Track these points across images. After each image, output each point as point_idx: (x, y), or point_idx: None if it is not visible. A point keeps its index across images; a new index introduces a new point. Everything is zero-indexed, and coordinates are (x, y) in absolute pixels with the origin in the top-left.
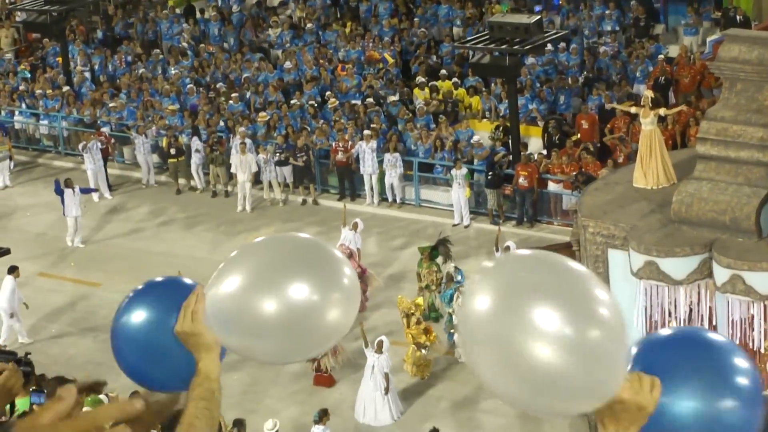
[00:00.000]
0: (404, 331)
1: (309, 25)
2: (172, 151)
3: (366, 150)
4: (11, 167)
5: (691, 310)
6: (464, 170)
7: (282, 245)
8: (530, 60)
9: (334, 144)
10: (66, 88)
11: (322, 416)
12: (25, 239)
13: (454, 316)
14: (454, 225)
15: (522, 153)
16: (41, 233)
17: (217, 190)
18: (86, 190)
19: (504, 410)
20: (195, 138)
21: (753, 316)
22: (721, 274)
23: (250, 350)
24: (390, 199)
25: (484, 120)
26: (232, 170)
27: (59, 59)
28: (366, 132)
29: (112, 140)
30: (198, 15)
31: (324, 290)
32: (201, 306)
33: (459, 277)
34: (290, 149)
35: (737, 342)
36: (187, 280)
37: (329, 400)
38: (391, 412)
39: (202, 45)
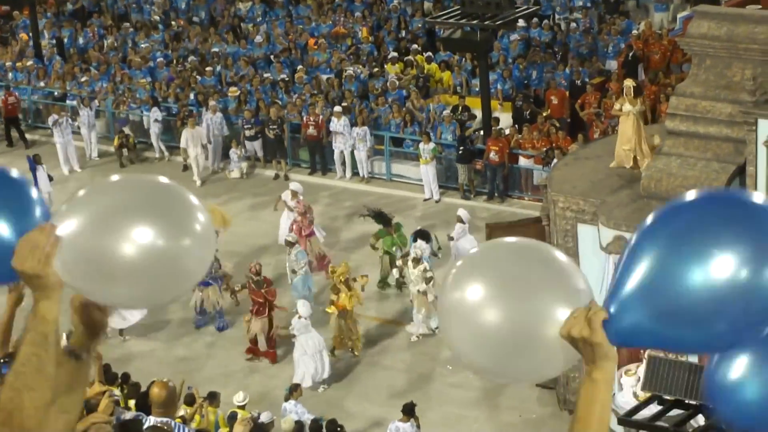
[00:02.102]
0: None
1: None
2: (125, 151)
3: (337, 125)
4: None
5: None
6: (432, 144)
7: (137, 186)
8: (513, 36)
9: (305, 118)
10: (30, 62)
11: (293, 391)
12: None
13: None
14: (425, 200)
15: (493, 128)
16: None
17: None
18: (50, 177)
19: (473, 384)
20: (155, 108)
21: None
22: None
23: (100, 295)
24: (360, 174)
25: (455, 95)
26: (182, 144)
27: (23, 36)
28: (336, 108)
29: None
30: None
31: (176, 236)
32: (55, 250)
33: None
34: (258, 124)
35: None
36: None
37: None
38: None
39: (173, 21)
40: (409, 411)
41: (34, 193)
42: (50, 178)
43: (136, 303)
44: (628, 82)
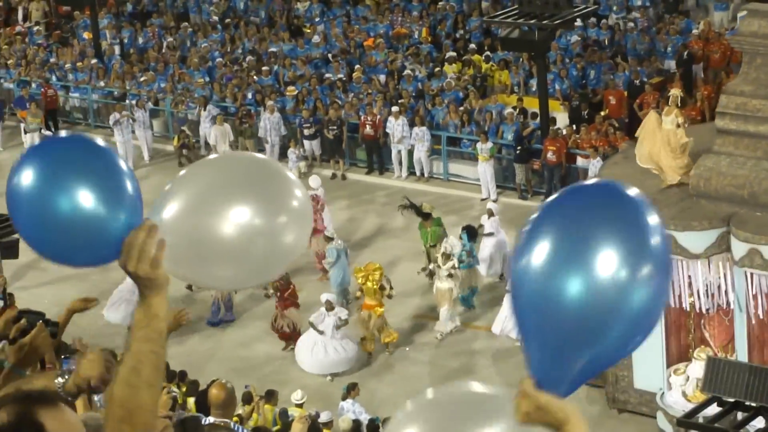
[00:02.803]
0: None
1: None
2: (184, 151)
3: (394, 125)
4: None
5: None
6: (490, 144)
7: (230, 166)
8: (575, 37)
9: (362, 118)
10: (94, 61)
11: (350, 390)
12: None
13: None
14: (482, 199)
15: (550, 128)
16: None
17: None
18: None
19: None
20: (209, 106)
21: None
22: (738, 248)
23: (200, 279)
24: (418, 173)
25: (513, 95)
26: (211, 142)
27: (87, 35)
28: (394, 108)
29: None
30: None
31: (272, 213)
32: (162, 254)
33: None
34: (317, 123)
35: (760, 316)
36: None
37: (355, 374)
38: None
39: (228, 20)
40: None
41: (124, 167)
42: None
43: (238, 283)
44: (675, 92)
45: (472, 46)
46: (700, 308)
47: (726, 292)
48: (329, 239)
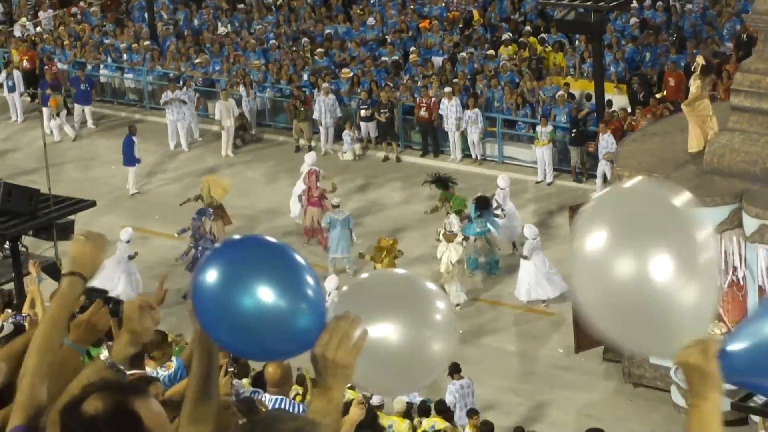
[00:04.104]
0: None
1: None
2: (241, 132)
3: (448, 107)
4: (82, 123)
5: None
6: (549, 127)
7: (388, 285)
8: (633, 20)
9: (417, 100)
10: (147, 43)
11: (454, 373)
12: (109, 192)
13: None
14: (537, 182)
15: (606, 110)
16: (124, 186)
17: (300, 145)
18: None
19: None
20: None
21: None
22: (750, 224)
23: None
24: (472, 156)
25: (569, 77)
26: (216, 117)
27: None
28: (447, 89)
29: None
30: None
31: (418, 328)
32: (363, 342)
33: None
34: (374, 105)
35: None
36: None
37: None
38: None
39: (280, 1)
40: (457, 369)
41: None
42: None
43: (397, 390)
44: (699, 59)
45: (527, 28)
46: None
47: (739, 268)
48: (334, 207)
